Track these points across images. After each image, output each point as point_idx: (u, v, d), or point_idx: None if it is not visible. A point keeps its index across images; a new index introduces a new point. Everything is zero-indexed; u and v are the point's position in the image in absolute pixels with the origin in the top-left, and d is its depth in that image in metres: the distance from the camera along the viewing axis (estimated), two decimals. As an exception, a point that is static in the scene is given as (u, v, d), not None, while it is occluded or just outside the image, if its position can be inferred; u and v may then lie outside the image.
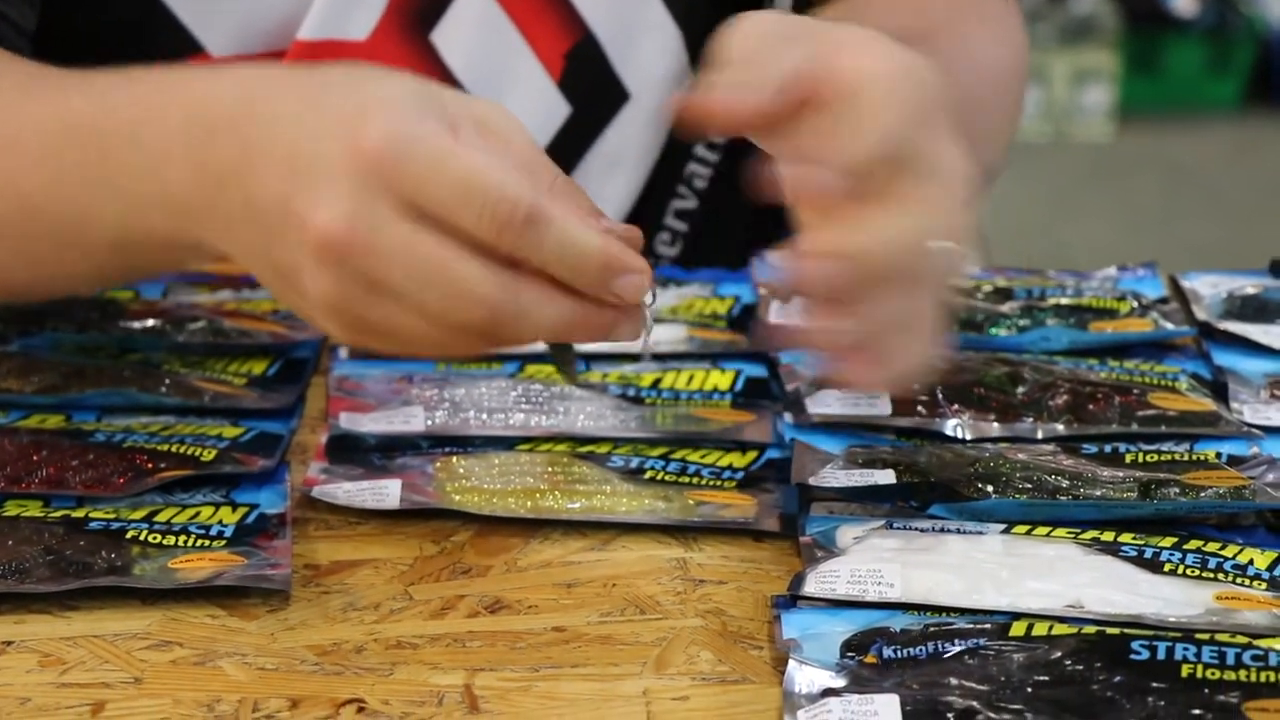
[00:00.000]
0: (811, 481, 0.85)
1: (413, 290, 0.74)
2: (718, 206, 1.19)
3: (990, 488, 0.84)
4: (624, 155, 1.15)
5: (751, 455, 0.90)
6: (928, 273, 0.77)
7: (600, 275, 0.76)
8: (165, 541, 0.81)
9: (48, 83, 0.88)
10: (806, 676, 0.73)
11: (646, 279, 0.77)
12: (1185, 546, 0.80)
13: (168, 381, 0.94)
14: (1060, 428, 0.91)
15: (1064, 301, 1.02)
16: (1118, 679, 0.71)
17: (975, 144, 1.03)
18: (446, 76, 1.10)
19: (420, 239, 0.73)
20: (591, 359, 0.98)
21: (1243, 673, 0.71)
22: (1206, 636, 0.74)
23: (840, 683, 0.73)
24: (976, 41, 1.01)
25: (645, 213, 1.17)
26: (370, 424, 0.92)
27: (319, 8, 1.07)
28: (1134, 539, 0.81)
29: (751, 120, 0.77)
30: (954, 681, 0.72)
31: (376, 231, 0.73)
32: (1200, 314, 1.02)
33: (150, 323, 0.99)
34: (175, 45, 1.07)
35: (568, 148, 1.13)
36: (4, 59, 0.92)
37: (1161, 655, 0.72)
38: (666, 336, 1.00)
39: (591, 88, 1.12)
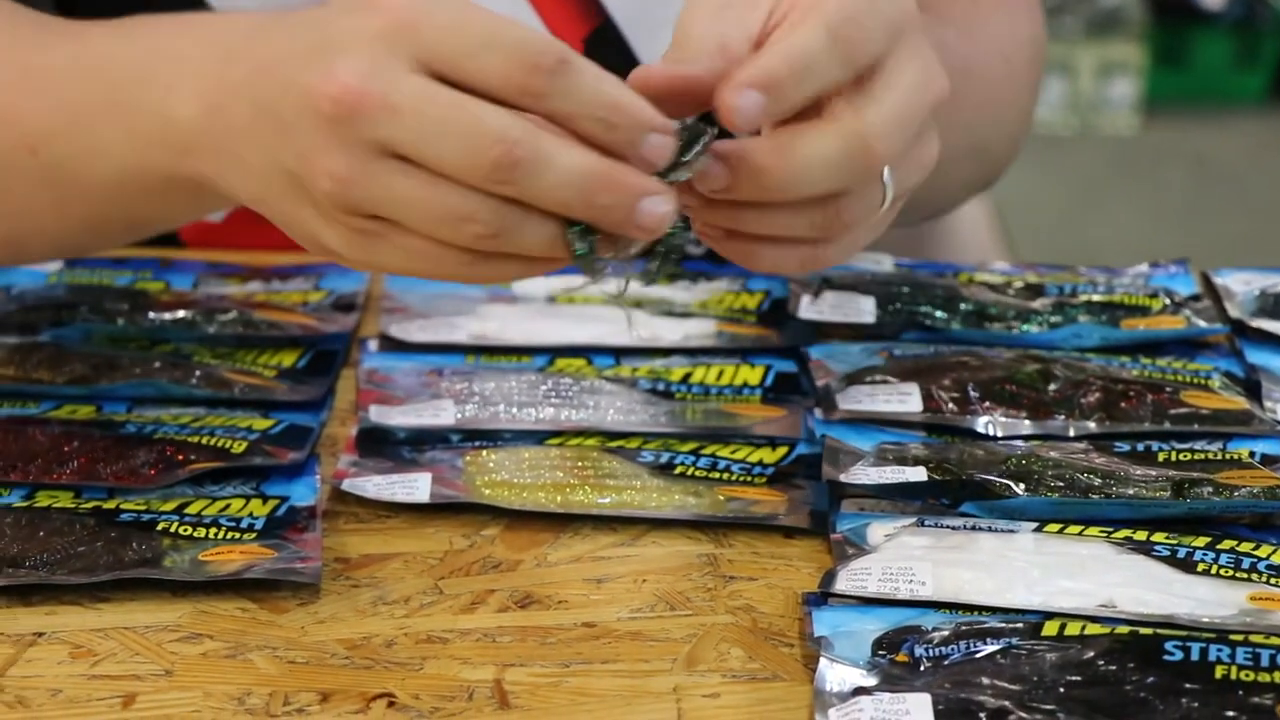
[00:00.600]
0: (842, 478, 0.85)
1: (429, 143, 0.71)
2: None
3: (1022, 486, 0.83)
4: None
5: (782, 451, 0.90)
6: (861, 188, 0.77)
7: (632, 128, 0.73)
8: (196, 534, 0.81)
9: (68, 27, 0.88)
10: (838, 674, 0.73)
11: (671, 146, 0.74)
12: (1219, 546, 0.80)
13: (198, 373, 0.94)
14: (1092, 425, 0.90)
15: (1095, 298, 1.01)
16: (1151, 680, 0.71)
17: (975, 116, 1.03)
18: None
19: (438, 89, 0.72)
20: (621, 354, 0.98)
21: (1277, 674, 0.71)
22: (1240, 638, 0.73)
23: (871, 681, 0.72)
24: (986, 17, 1.01)
25: None
26: (400, 417, 0.92)
27: None
28: (1167, 538, 0.80)
29: (693, 91, 0.75)
30: (986, 681, 0.72)
31: (393, 84, 0.72)
32: (1233, 311, 1.02)
33: (181, 314, 0.99)
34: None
35: None
36: (25, 10, 0.92)
37: (1195, 656, 0.72)
38: (696, 331, 1.00)
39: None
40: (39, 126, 0.85)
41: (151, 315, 0.99)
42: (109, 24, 0.87)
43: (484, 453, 0.89)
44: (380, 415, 0.92)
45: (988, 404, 0.91)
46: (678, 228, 0.76)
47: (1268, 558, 0.79)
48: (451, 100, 0.72)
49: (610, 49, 1.11)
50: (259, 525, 0.82)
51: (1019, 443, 0.89)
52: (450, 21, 0.72)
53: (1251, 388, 0.94)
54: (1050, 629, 0.74)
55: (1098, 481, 0.84)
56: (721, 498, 0.86)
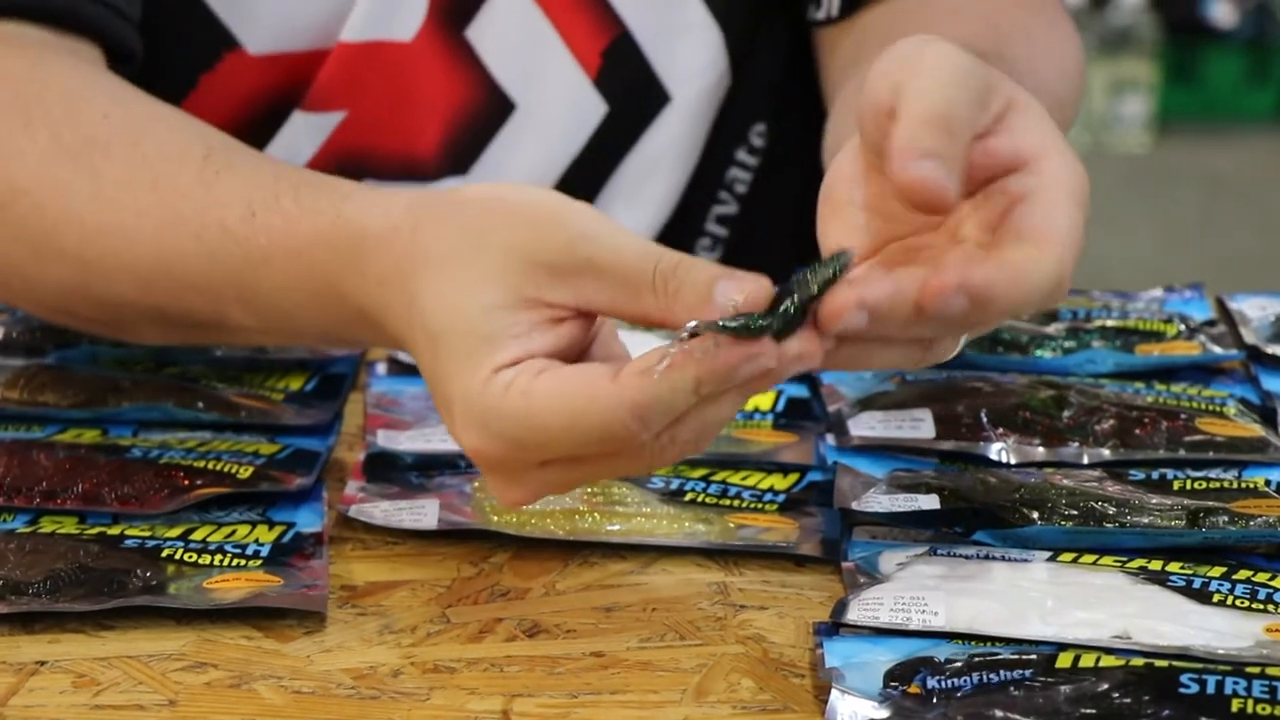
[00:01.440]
0: (854, 506, 0.84)
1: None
2: (759, 211, 1.18)
3: (1036, 514, 0.83)
4: (664, 158, 1.14)
5: (793, 478, 0.89)
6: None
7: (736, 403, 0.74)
8: (201, 560, 0.81)
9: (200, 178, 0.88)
10: (849, 707, 0.72)
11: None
12: (1234, 577, 0.79)
13: (205, 396, 0.93)
14: (1106, 453, 0.89)
15: (1110, 323, 1.00)
16: (1166, 713, 0.70)
17: None
18: (484, 77, 1.09)
19: (553, 475, 0.76)
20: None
21: (1294, 708, 0.70)
22: (1257, 670, 0.73)
23: (883, 714, 0.71)
24: (1041, 52, 1.00)
25: (685, 217, 1.16)
26: (408, 442, 0.91)
27: (362, 8, 1.07)
28: (1182, 568, 0.79)
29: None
30: (999, 714, 0.71)
31: (515, 475, 0.76)
32: (1248, 337, 1.01)
33: (187, 336, 0.98)
34: (211, 40, 1.07)
35: (606, 148, 1.12)
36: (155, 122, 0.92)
37: (1211, 689, 0.71)
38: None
39: (630, 87, 1.11)
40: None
41: (158, 338, 0.99)
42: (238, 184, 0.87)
43: (492, 478, 0.88)
44: (388, 440, 0.91)
45: (1001, 430, 0.90)
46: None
47: (1284, 588, 0.78)
48: (570, 479, 0.77)
49: (628, 60, 1.11)
50: (265, 552, 0.82)
51: (1032, 470, 0.88)
52: (532, 448, 0.74)
53: (1267, 415, 0.93)
54: (1064, 660, 0.73)
55: (1112, 510, 0.83)
56: (732, 525, 0.85)
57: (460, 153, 1.10)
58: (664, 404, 0.72)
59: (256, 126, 1.07)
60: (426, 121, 1.09)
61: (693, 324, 0.72)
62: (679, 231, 1.15)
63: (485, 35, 1.09)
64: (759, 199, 1.17)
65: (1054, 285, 0.73)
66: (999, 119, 0.76)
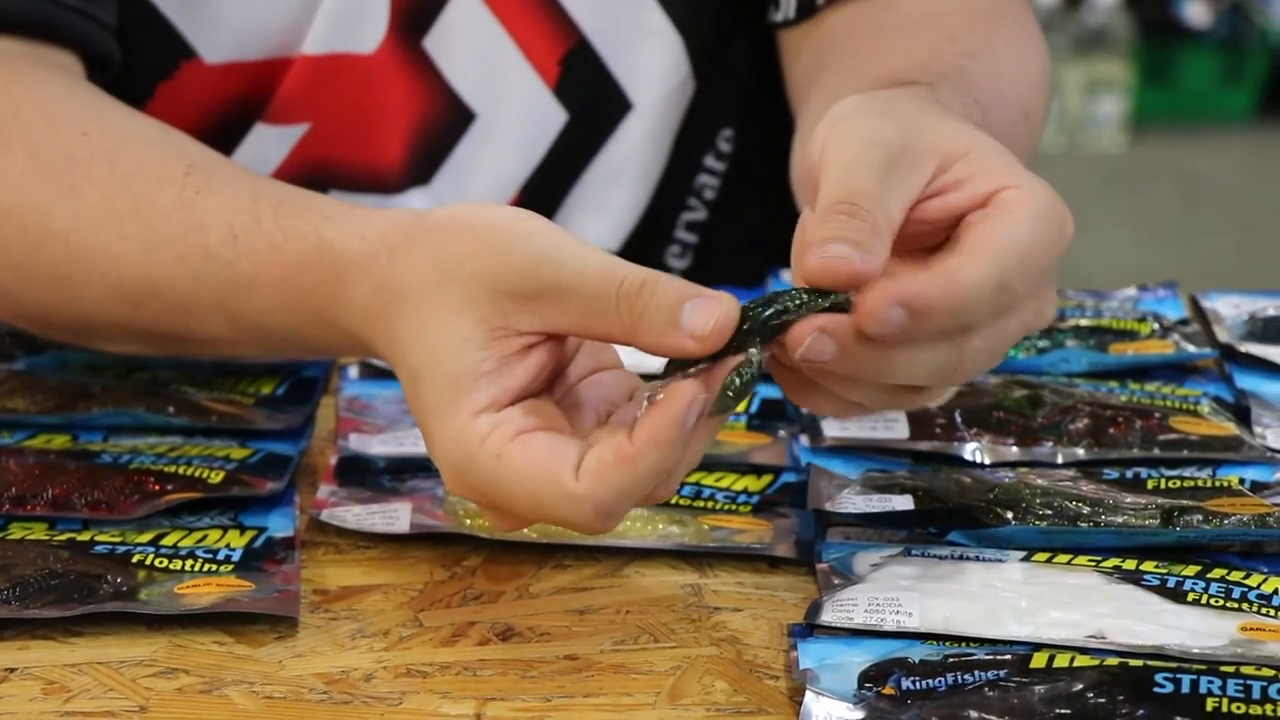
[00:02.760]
0: (828, 507, 0.84)
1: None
2: (728, 218, 1.17)
3: (1010, 514, 0.82)
4: (627, 165, 1.13)
5: (767, 479, 0.88)
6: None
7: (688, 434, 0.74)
8: (172, 566, 0.80)
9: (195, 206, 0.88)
10: (824, 709, 0.72)
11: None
12: (1209, 575, 0.79)
13: (175, 401, 0.93)
14: (1080, 452, 0.89)
15: (1084, 323, 1.00)
16: (1141, 713, 0.70)
17: None
18: (444, 87, 1.09)
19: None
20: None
21: (1269, 706, 0.70)
22: (1231, 669, 0.72)
23: (858, 715, 0.71)
24: (1004, 64, 0.99)
25: (654, 225, 1.15)
26: (380, 446, 0.90)
27: (324, 20, 1.06)
28: (1156, 567, 0.79)
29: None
30: (974, 714, 0.71)
31: (491, 512, 0.76)
32: (1222, 336, 1.01)
33: (158, 341, 0.98)
34: (168, 49, 1.06)
35: (568, 157, 1.12)
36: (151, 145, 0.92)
37: (1186, 688, 0.71)
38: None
39: (590, 95, 1.11)
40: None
41: (129, 342, 0.98)
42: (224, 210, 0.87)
43: (465, 481, 0.87)
44: (360, 444, 0.91)
45: (975, 430, 0.90)
46: (755, 365, 0.74)
47: (1258, 587, 0.78)
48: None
49: (586, 67, 1.10)
50: (236, 557, 0.81)
51: (1007, 470, 0.88)
52: (504, 495, 0.75)
53: (1241, 413, 0.93)
54: (1039, 661, 0.73)
55: (1086, 509, 0.83)
56: (706, 527, 0.85)
57: (423, 163, 1.10)
58: (627, 496, 0.73)
59: (218, 135, 1.07)
60: (389, 133, 1.09)
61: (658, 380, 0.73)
62: (648, 238, 1.15)
63: (443, 45, 1.09)
64: (728, 205, 1.17)
65: (993, 288, 0.73)
66: (946, 172, 0.76)
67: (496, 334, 0.75)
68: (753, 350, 0.73)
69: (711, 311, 0.72)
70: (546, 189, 1.12)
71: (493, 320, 0.75)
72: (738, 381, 0.72)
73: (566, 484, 0.73)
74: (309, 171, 1.08)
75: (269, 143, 1.09)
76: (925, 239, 0.77)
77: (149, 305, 0.87)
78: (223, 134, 1.07)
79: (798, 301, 0.73)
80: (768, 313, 0.72)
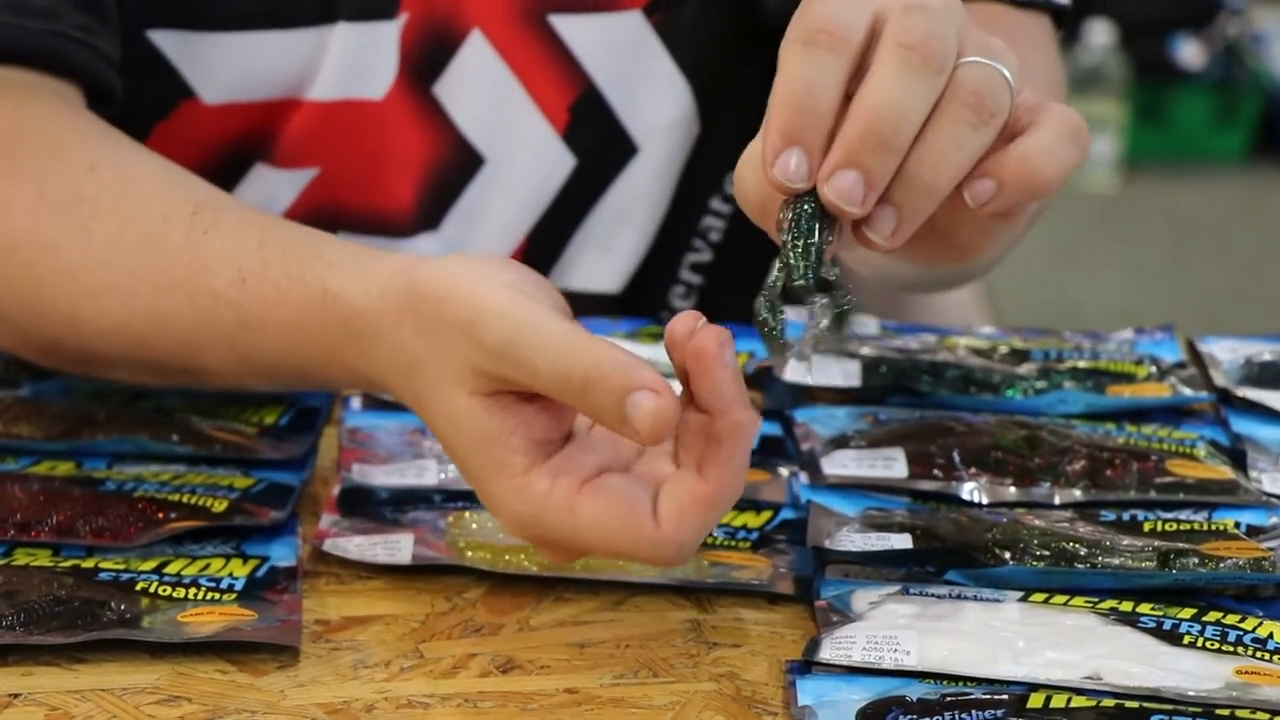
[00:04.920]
0: (827, 544, 0.84)
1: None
2: (733, 259, 1.18)
3: (1008, 554, 0.83)
4: (633, 208, 1.14)
5: (766, 516, 0.89)
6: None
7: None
8: (175, 594, 0.81)
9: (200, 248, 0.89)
10: (822, 746, 0.72)
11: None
12: (1204, 619, 0.79)
13: (179, 429, 0.93)
14: (1078, 493, 0.90)
15: (1081, 364, 1.01)
16: (1137, 754, 0.71)
17: None
18: (453, 132, 1.10)
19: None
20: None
21: (1263, 750, 0.71)
22: (1226, 712, 0.73)
23: (856, 753, 0.72)
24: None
25: (659, 266, 1.16)
26: (382, 476, 0.91)
27: (332, 67, 1.07)
28: (1153, 609, 0.80)
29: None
30: (971, 753, 0.71)
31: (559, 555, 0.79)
32: (1218, 379, 1.01)
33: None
34: (167, 89, 1.07)
35: (575, 201, 1.13)
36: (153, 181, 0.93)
37: (1181, 731, 0.72)
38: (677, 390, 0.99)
39: (597, 140, 1.12)
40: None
41: (133, 370, 0.99)
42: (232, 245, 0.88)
43: (466, 514, 0.88)
44: (363, 474, 0.91)
45: (973, 470, 0.91)
46: (841, 289, 0.75)
47: (1253, 630, 0.79)
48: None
49: (595, 114, 1.11)
50: (239, 586, 0.82)
51: (1004, 510, 0.88)
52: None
53: (1237, 457, 0.94)
54: (1036, 701, 0.74)
55: (1083, 551, 0.83)
56: (705, 562, 0.85)
57: (432, 208, 1.11)
58: (705, 530, 0.77)
59: (216, 174, 1.07)
60: (399, 178, 1.10)
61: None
62: (653, 280, 1.16)
63: (453, 92, 1.09)
64: (734, 246, 1.17)
65: (1075, 129, 0.79)
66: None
67: (494, 398, 0.77)
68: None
69: (648, 412, 0.74)
70: (553, 232, 1.13)
71: (490, 384, 0.77)
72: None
73: (647, 532, 0.75)
74: (318, 214, 1.09)
75: (279, 186, 1.09)
76: None
77: (156, 342, 0.88)
78: (221, 173, 1.08)
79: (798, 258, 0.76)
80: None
